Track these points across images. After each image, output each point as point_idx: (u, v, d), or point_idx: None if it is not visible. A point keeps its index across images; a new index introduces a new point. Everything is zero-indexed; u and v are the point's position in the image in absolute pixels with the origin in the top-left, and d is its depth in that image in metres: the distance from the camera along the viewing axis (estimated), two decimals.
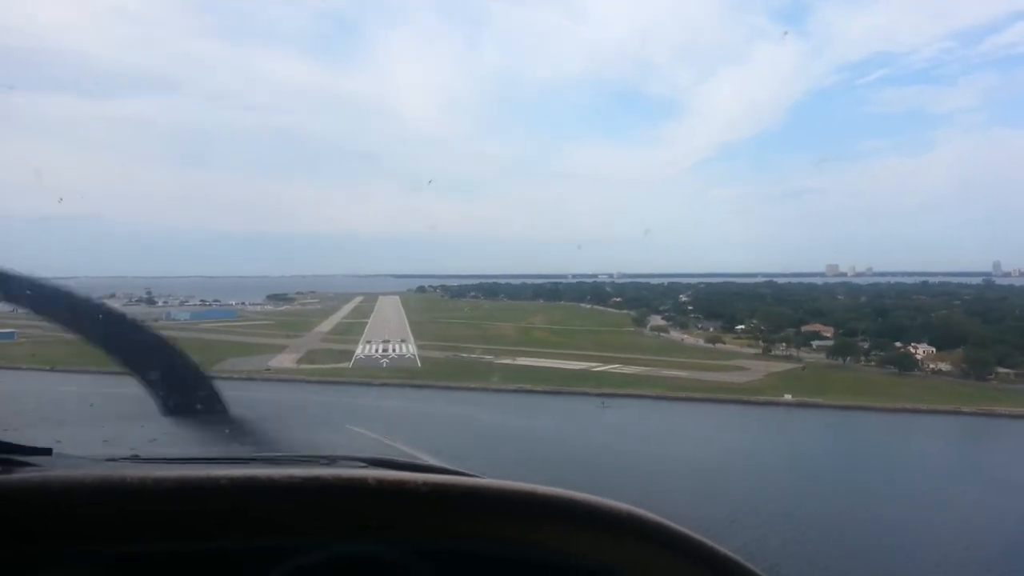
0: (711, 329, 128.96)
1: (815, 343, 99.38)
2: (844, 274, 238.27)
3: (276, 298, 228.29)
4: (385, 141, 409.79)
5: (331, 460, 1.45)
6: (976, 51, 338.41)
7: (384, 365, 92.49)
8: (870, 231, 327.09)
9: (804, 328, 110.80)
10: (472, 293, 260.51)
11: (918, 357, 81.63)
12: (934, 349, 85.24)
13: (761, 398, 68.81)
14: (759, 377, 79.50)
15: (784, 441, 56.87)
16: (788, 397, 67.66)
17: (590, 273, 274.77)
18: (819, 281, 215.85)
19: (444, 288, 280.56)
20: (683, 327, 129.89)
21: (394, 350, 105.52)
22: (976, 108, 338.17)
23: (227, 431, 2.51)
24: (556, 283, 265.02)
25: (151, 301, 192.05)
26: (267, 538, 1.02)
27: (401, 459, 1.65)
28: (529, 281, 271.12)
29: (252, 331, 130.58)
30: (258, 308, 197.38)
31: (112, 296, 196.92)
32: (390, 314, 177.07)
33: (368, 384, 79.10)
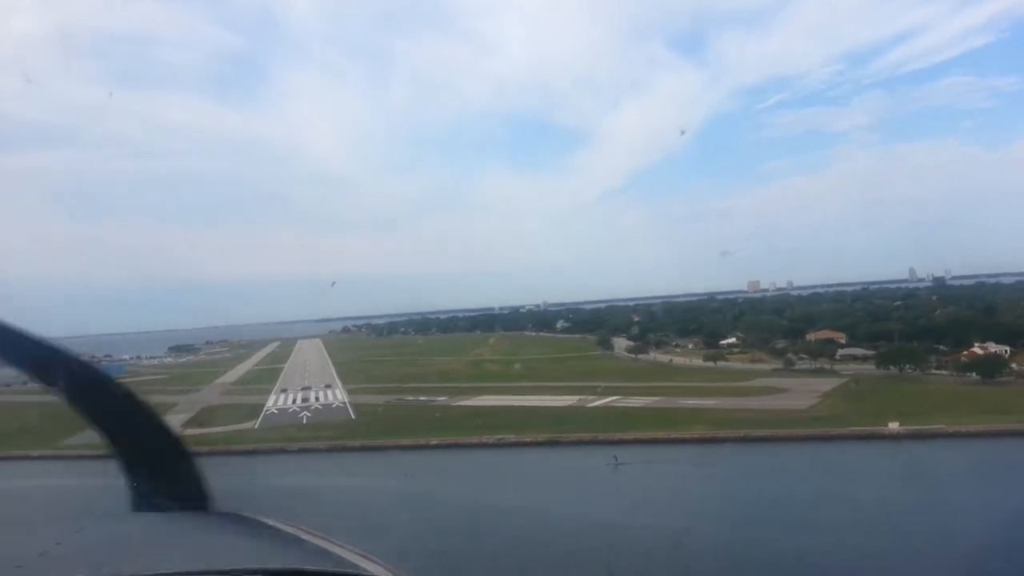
0: (690, 347, 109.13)
1: (840, 352, 79.50)
2: (765, 290, 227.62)
3: (179, 350, 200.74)
4: (292, 183, 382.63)
5: None
6: (865, 72, 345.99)
7: (305, 420, 66.83)
8: (781, 248, 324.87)
9: (811, 336, 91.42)
10: (402, 329, 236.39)
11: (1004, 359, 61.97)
12: (1007, 348, 66.12)
13: (854, 430, 47.45)
14: (815, 400, 58.41)
15: (969, 496, 34.39)
16: (895, 426, 46.29)
17: (516, 304, 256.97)
18: (743, 297, 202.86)
19: (370, 327, 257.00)
20: (659, 347, 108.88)
21: (318, 398, 79.82)
22: (870, 127, 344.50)
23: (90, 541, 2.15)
24: (485, 314, 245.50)
25: None
26: None
27: (318, 568, 1.37)
28: (457, 315, 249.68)
29: (137, 389, 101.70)
30: (155, 362, 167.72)
31: None
32: (310, 356, 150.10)
33: (282, 451, 53.69)
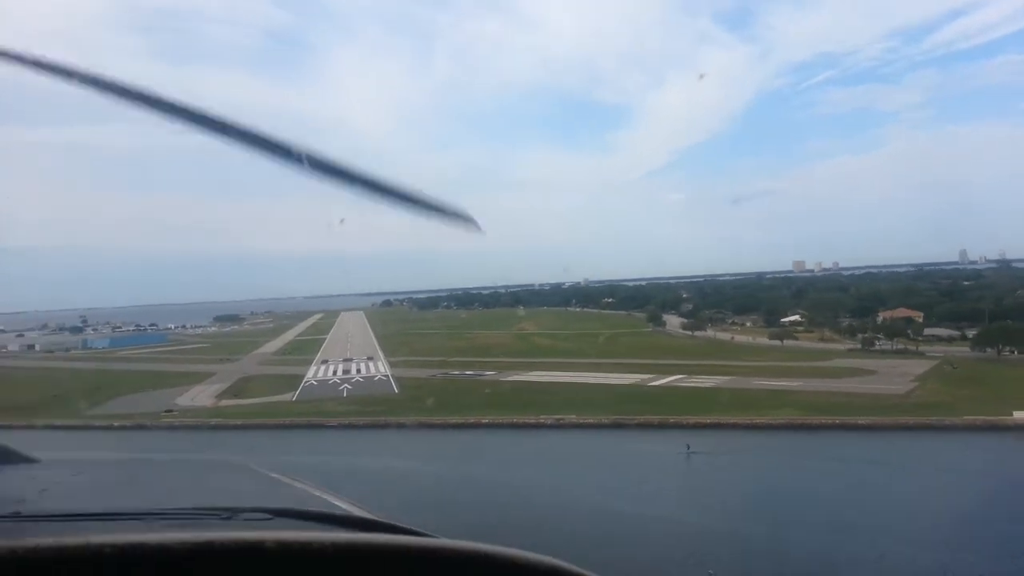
0: (748, 324, 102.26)
1: (926, 332, 72.22)
2: (811, 270, 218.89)
3: (224, 319, 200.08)
4: (339, 158, 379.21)
5: (231, 514, 1.25)
6: (919, 49, 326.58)
7: (345, 393, 62.32)
8: (827, 228, 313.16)
9: (885, 315, 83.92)
10: (444, 303, 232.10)
11: None
12: None
13: (972, 419, 40.70)
14: (910, 384, 51.65)
15: None
16: (1022, 416, 39.62)
17: (555, 281, 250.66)
18: (787, 277, 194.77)
19: (411, 301, 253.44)
20: (714, 324, 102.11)
21: (359, 371, 75.46)
22: (921, 105, 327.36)
23: (112, 480, 2.14)
24: (526, 289, 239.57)
25: (79, 329, 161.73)
26: None
27: (314, 509, 1.37)
28: (497, 291, 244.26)
29: (177, 357, 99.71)
30: (199, 331, 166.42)
31: (44, 326, 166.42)
32: (353, 328, 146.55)
33: (320, 426, 49.15)
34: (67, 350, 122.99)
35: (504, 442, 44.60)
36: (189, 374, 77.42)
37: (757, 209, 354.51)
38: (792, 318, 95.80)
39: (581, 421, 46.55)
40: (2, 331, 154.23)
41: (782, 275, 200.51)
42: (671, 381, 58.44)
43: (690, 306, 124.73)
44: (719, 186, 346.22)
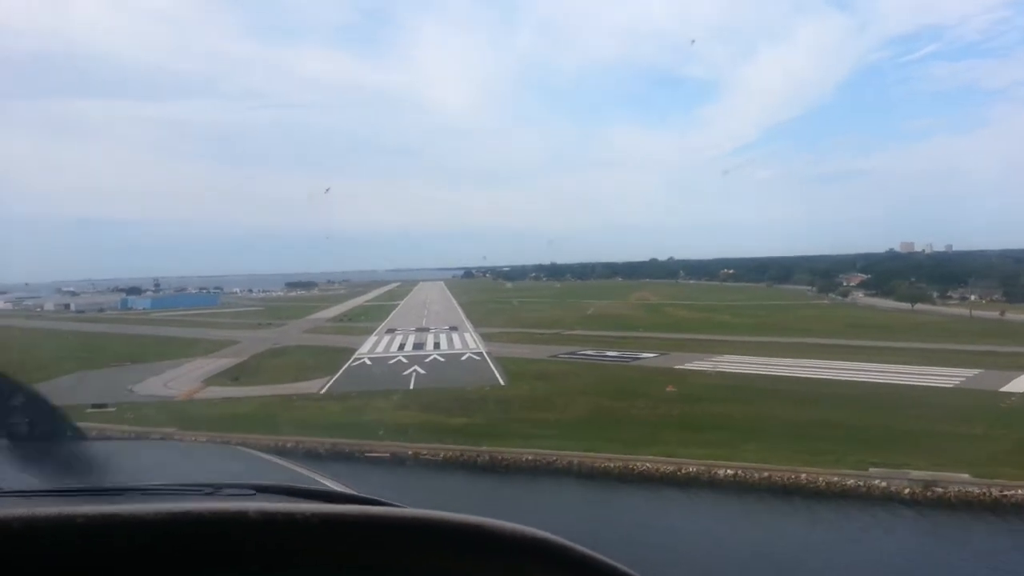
0: (972, 299, 71.14)
1: None
2: (921, 251, 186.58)
3: (295, 286, 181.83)
4: (420, 134, 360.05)
5: (214, 489, 1.25)
6: None
7: (413, 381, 35.05)
8: (928, 209, 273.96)
9: None
10: (532, 275, 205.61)
11: None
12: None
13: None
14: None
15: None
16: None
17: (632, 259, 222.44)
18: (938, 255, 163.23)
19: (494, 273, 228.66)
20: (917, 299, 70.93)
21: (438, 344, 48.64)
22: None
23: (90, 458, 2.01)
24: (608, 265, 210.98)
25: (136, 291, 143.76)
26: None
27: (297, 485, 1.38)
28: (573, 266, 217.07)
29: (211, 321, 75.91)
30: (262, 295, 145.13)
31: (114, 289, 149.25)
32: (431, 295, 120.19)
33: (350, 456, 22.34)
34: (101, 310, 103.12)
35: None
36: (201, 342, 52.58)
37: (850, 188, 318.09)
38: None
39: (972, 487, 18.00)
40: (72, 292, 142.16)
41: (890, 255, 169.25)
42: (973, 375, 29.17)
43: (847, 282, 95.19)
44: (810, 164, 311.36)
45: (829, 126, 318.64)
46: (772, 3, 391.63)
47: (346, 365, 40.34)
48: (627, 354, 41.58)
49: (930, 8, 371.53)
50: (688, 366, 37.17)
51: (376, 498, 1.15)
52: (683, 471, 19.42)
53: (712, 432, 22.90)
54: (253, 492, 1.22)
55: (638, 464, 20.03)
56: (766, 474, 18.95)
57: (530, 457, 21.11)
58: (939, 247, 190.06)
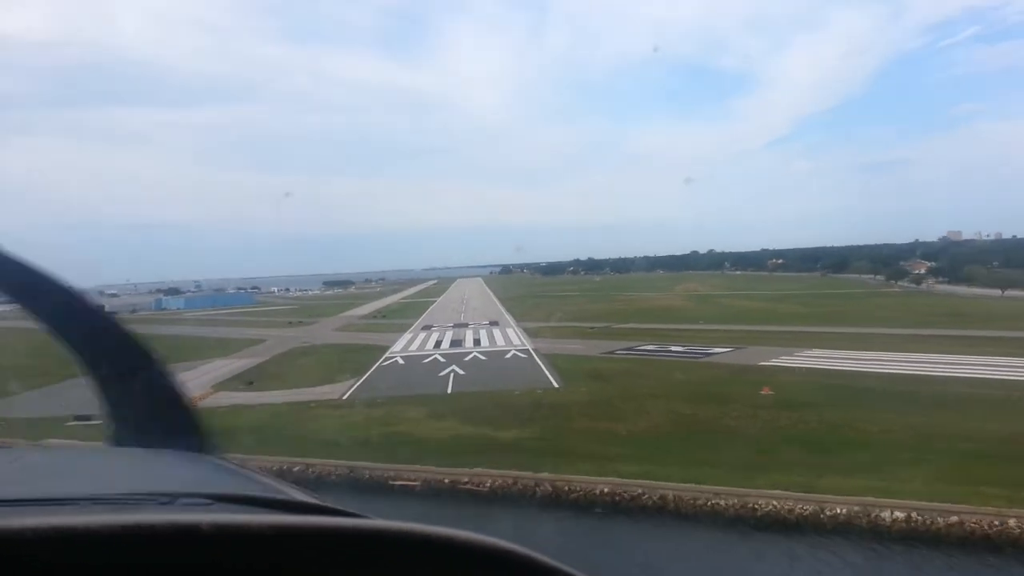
0: None
1: None
2: (971, 239, 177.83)
3: (332, 284, 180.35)
4: (455, 135, 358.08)
5: (170, 499, 1.18)
6: None
7: (451, 383, 30.03)
8: (978, 196, 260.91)
9: None
10: (570, 269, 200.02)
11: None
12: None
13: None
14: None
15: None
16: None
17: (663, 253, 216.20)
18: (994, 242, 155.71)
19: (532, 268, 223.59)
20: (1008, 285, 63.72)
21: (478, 341, 43.49)
22: None
23: (44, 466, 1.86)
24: (647, 258, 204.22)
25: (175, 291, 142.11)
26: None
27: (257, 494, 1.32)
28: (623, 259, 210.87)
29: (241, 320, 72.18)
30: (297, 294, 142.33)
31: (155, 291, 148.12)
32: (469, 291, 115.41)
33: (369, 485, 17.17)
34: (133, 311, 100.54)
35: None
36: (225, 342, 48.40)
37: (892, 178, 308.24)
38: None
39: None
40: (113, 295, 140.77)
41: (945, 242, 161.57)
42: None
43: (915, 269, 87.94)
44: (849, 154, 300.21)
45: (867, 116, 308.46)
46: None
47: (376, 365, 35.42)
48: (695, 349, 35.91)
49: None
50: (773, 362, 31.42)
51: (339, 508, 1.11)
52: (828, 512, 13.77)
53: (846, 452, 17.24)
54: (211, 502, 1.14)
55: (760, 502, 14.43)
56: (954, 518, 13.21)
57: (606, 489, 15.65)
58: (988, 235, 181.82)
